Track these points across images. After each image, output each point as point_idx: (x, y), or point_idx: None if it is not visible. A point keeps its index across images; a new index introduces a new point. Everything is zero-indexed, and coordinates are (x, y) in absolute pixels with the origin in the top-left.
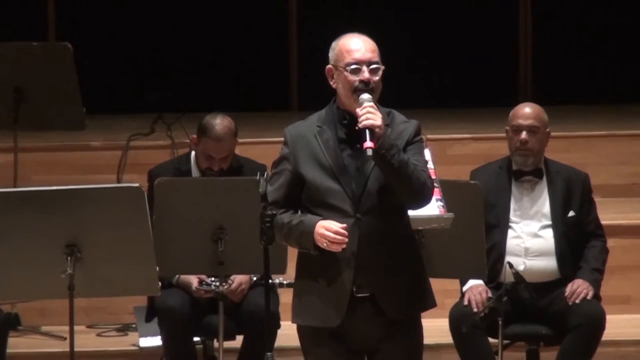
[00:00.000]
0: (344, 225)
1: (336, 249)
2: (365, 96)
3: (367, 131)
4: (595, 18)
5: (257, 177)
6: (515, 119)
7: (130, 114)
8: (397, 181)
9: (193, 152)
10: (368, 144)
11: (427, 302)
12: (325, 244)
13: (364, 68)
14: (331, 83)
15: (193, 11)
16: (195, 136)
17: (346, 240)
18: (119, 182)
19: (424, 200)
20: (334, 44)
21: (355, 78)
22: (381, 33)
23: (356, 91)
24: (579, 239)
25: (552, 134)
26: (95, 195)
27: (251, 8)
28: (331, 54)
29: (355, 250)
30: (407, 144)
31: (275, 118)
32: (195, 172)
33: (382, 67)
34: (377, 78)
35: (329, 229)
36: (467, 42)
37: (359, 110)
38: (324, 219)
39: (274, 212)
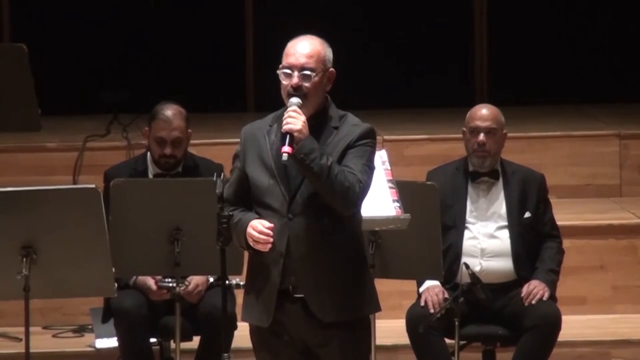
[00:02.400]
0: (271, 225)
1: (262, 248)
2: (294, 100)
3: (287, 135)
4: (550, 19)
5: (214, 178)
6: (472, 121)
7: (86, 115)
8: (318, 185)
9: (149, 153)
10: (285, 148)
11: (367, 306)
12: (252, 243)
13: (295, 73)
14: None
15: (149, 12)
16: (147, 128)
17: (270, 240)
18: (75, 183)
19: (349, 204)
20: None
21: (286, 82)
22: (337, 34)
23: (289, 95)
24: (535, 239)
25: (508, 135)
26: (51, 196)
27: (207, 8)
28: None
29: (283, 250)
30: (348, 147)
31: (232, 119)
32: (151, 173)
33: (315, 74)
34: (307, 84)
35: (255, 229)
36: (423, 41)
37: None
38: (260, 218)
39: (231, 212)
